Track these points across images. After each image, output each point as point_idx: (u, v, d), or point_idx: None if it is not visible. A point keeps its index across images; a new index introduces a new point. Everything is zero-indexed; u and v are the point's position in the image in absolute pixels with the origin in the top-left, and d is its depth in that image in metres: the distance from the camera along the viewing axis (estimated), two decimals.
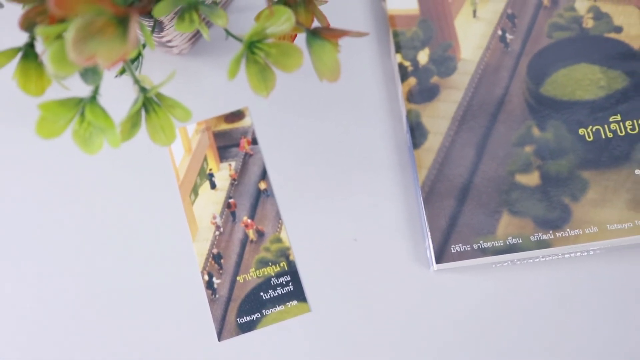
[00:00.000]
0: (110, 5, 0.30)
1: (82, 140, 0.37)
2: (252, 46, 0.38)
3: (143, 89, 0.37)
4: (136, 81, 0.38)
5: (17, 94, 0.41)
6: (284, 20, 0.37)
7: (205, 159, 0.55)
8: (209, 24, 0.55)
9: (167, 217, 0.54)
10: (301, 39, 0.42)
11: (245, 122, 0.56)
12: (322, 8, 0.46)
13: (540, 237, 0.50)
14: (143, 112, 0.38)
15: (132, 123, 0.38)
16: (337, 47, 0.39)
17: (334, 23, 0.51)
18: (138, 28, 0.32)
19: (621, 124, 0.52)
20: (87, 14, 0.30)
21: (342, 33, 0.38)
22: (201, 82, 0.57)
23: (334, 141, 0.55)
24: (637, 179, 0.51)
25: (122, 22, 0.31)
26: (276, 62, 0.38)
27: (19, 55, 0.38)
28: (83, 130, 0.37)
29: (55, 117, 0.37)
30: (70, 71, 0.33)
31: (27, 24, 0.36)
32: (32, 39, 0.38)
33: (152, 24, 0.46)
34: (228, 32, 0.41)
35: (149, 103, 0.38)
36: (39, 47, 0.37)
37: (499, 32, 0.55)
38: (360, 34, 0.39)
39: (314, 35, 0.39)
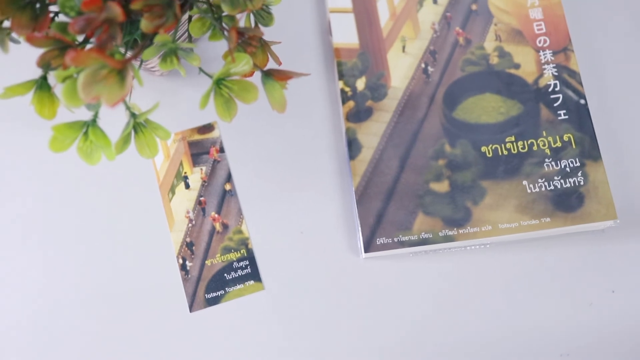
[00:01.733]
0: (112, 61, 0.34)
1: (85, 154, 0.41)
2: (219, 83, 0.42)
3: (133, 115, 0.41)
4: (128, 108, 0.41)
5: (29, 113, 0.43)
6: (244, 64, 0.41)
7: (181, 164, 0.57)
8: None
9: (149, 212, 0.56)
10: (258, 76, 0.45)
11: (214, 134, 0.58)
12: (283, 42, 0.48)
13: (446, 233, 0.53)
14: (132, 132, 0.42)
15: (124, 141, 0.41)
16: (284, 86, 0.43)
17: (291, 55, 0.54)
18: (132, 73, 0.37)
19: (514, 143, 0.55)
20: (94, 66, 0.34)
21: (289, 75, 0.43)
22: (178, 99, 0.58)
23: (288, 151, 0.57)
24: (524, 188, 0.54)
25: (121, 72, 0.35)
26: (237, 95, 0.42)
27: (35, 86, 0.41)
28: (86, 146, 0.40)
29: (65, 136, 0.40)
30: (79, 104, 0.36)
31: (43, 64, 0.39)
32: (46, 73, 0.41)
33: (140, 60, 0.49)
34: (201, 70, 0.45)
35: (138, 126, 0.41)
36: (52, 80, 0.40)
37: (423, 65, 0.58)
38: (302, 74, 0.44)
39: (267, 76, 0.43)
